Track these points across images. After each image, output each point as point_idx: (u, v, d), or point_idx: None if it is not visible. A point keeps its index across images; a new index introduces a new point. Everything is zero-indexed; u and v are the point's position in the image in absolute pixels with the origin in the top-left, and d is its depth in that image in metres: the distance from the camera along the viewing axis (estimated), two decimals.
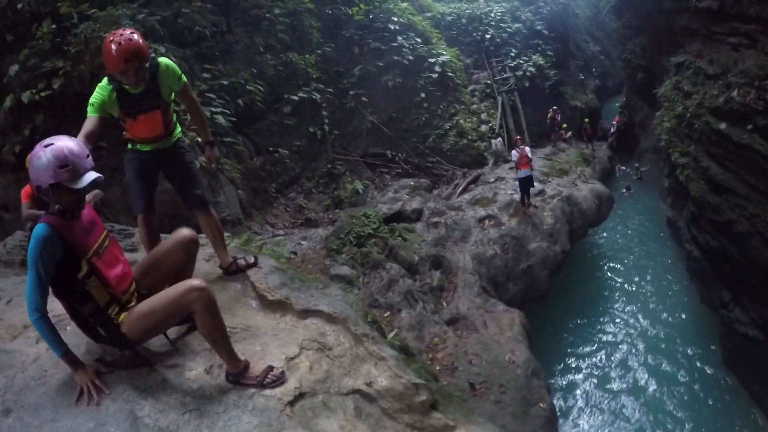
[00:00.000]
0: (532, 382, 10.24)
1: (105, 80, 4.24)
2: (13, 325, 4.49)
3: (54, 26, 10.45)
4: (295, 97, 16.02)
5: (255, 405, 3.48)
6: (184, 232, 3.96)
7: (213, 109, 12.46)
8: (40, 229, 3.17)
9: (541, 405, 9.95)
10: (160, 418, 3.29)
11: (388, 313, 11.13)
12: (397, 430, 3.95)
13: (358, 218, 13.51)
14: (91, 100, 4.19)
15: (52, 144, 3.14)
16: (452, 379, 9.98)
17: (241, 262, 5.02)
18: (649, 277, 18.61)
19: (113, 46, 4.05)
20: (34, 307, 3.18)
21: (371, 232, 13.14)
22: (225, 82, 13.59)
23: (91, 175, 3.19)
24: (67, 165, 3.11)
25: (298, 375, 3.84)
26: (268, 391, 3.60)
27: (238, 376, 3.56)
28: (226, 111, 12.86)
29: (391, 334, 5.60)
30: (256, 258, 5.15)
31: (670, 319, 16.20)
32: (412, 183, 17.15)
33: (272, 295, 4.70)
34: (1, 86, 10.39)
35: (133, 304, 3.51)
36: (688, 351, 14.77)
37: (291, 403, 3.59)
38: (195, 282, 3.37)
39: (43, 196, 3.22)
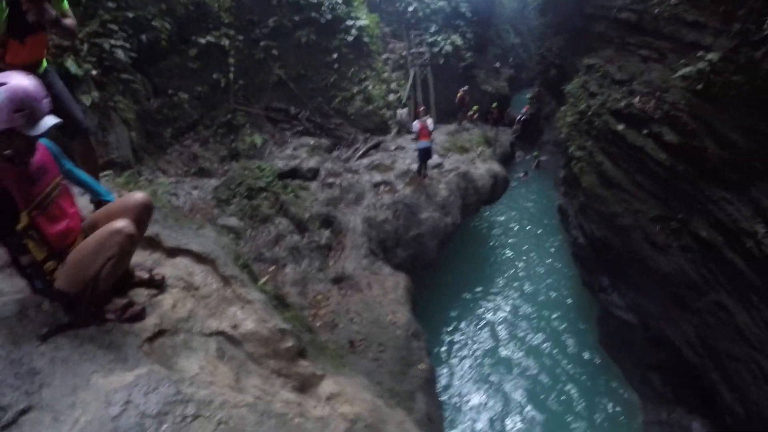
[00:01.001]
0: (412, 344, 10.46)
1: None
2: None
3: None
4: (203, 41, 15.46)
5: (112, 340, 3.38)
6: (138, 196, 3.61)
7: (113, 42, 11.80)
8: None
9: (420, 366, 10.14)
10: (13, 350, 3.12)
11: (273, 267, 11.08)
12: (261, 375, 3.93)
13: (252, 170, 13.34)
14: None
15: (4, 83, 2.83)
16: (332, 335, 10.06)
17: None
18: (535, 258, 19.63)
19: None
20: None
21: (263, 186, 12.99)
22: (130, 15, 12.88)
23: (50, 120, 2.95)
24: (23, 108, 2.84)
25: (159, 312, 3.77)
26: (126, 326, 3.51)
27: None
28: (126, 45, 12.19)
29: (262, 281, 5.54)
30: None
31: (552, 298, 17.17)
32: (312, 142, 16.99)
33: None
34: None
35: None
36: (567, 330, 15.67)
37: (149, 340, 3.53)
38: (119, 224, 3.16)
39: None
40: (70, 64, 10.26)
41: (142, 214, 3.55)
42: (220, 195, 12.46)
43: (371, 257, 12.51)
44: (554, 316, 16.23)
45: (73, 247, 3.30)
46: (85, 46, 11.10)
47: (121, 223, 3.15)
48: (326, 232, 12.67)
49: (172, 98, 14.74)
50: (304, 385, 4.04)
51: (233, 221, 11.67)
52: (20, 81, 2.88)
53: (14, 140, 2.92)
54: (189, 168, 14.73)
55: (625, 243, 12.26)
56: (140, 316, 3.58)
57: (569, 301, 16.94)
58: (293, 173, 14.62)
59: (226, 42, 16.22)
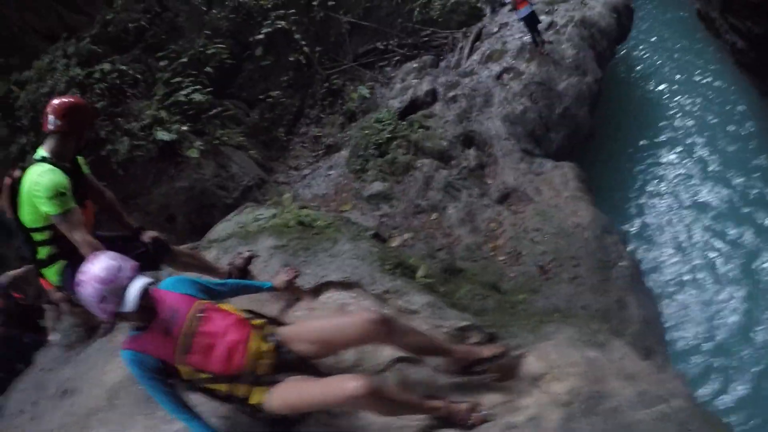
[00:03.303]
0: (605, 241, 9.40)
1: (47, 166, 3.71)
2: (80, 415, 4.53)
3: None
4: (261, 36, 15.08)
5: None
6: (361, 321, 3.17)
7: (185, 92, 11.83)
8: (125, 356, 3.09)
9: (621, 263, 9.10)
10: None
11: (435, 214, 10.48)
12: (456, 383, 3.48)
13: (371, 127, 12.69)
14: (59, 188, 3.65)
15: (82, 280, 2.94)
16: (519, 267, 9.19)
17: (238, 261, 4.70)
18: (695, 84, 16.20)
19: (81, 105, 3.85)
20: (176, 415, 3.13)
21: (389, 135, 12.28)
22: (185, 59, 12.78)
23: (135, 290, 2.91)
24: (104, 298, 2.91)
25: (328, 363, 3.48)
26: None
27: None
28: (198, 86, 12.11)
29: (420, 272, 4.96)
30: (250, 253, 4.83)
31: (730, 127, 14.03)
32: (415, 65, 16.07)
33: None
34: None
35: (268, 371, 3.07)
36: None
37: None
38: (351, 386, 2.76)
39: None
40: (161, 134, 10.40)
41: (371, 334, 3.14)
42: (353, 167, 12.07)
43: (527, 157, 11.48)
44: (740, 145, 13.26)
45: (257, 364, 3.07)
46: (163, 113, 11.11)
47: (353, 385, 2.78)
48: (471, 152, 11.77)
49: (266, 101, 14.61)
50: (505, 376, 3.51)
51: (377, 187, 11.25)
52: (91, 272, 2.93)
53: (126, 317, 3.02)
54: (317, 151, 14.65)
55: None
56: None
57: (750, 121, 13.79)
58: (412, 107, 13.82)
59: (281, 23, 15.62)
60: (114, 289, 2.91)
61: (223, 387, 3.07)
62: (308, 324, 3.50)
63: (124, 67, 11.75)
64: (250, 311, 3.44)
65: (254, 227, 5.72)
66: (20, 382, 7.59)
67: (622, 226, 11.37)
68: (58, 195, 3.60)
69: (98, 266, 2.95)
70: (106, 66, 11.28)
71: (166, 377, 3.14)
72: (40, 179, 3.61)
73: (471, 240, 9.73)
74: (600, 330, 3.96)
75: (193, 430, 3.13)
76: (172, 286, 3.34)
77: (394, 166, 11.59)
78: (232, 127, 13.03)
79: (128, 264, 3.04)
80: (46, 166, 3.67)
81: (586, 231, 9.47)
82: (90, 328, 6.33)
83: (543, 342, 3.69)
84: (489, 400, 3.25)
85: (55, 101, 3.83)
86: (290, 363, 3.15)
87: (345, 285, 4.26)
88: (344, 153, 13.09)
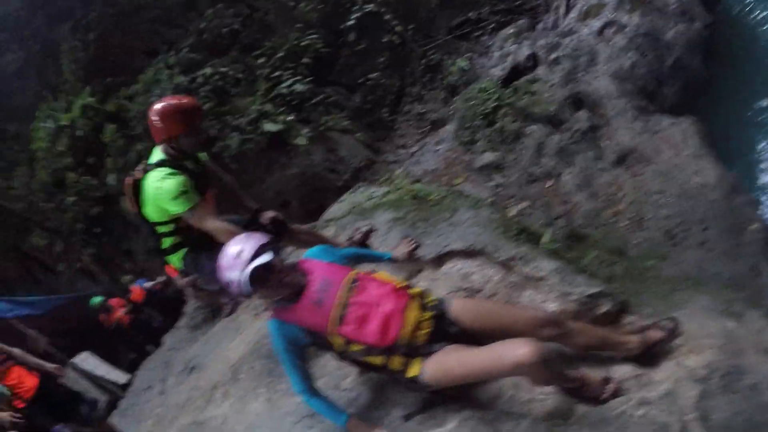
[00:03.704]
0: (734, 202, 8.63)
1: (165, 170, 3.96)
2: (205, 389, 4.77)
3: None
4: (352, 21, 15.09)
5: None
6: (548, 316, 3.08)
7: (285, 84, 12.30)
8: (271, 325, 3.18)
9: (753, 227, 8.35)
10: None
11: (550, 182, 10.29)
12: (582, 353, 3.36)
13: (475, 98, 12.45)
14: (180, 188, 3.92)
15: (223, 264, 3.09)
16: (643, 232, 8.74)
17: (357, 236, 4.83)
18: None
19: (178, 105, 4.03)
20: (297, 390, 3.15)
21: (495, 104, 12.01)
22: (282, 54, 13.13)
23: (251, 267, 3.00)
24: (231, 283, 3.06)
25: None
26: None
27: None
28: (298, 77, 12.52)
29: (545, 237, 4.77)
30: (368, 227, 4.93)
31: None
32: (511, 31, 15.45)
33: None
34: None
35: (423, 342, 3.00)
36: None
37: None
38: (521, 353, 2.62)
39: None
40: (269, 126, 10.78)
41: (548, 337, 2.98)
42: (461, 139, 12.03)
43: (641, 115, 10.89)
44: None
45: (413, 336, 2.98)
46: (268, 106, 11.65)
47: (525, 351, 2.62)
48: (581, 114, 11.34)
49: (366, 84, 14.74)
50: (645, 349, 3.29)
51: (487, 157, 11.17)
52: (230, 253, 3.09)
53: (274, 292, 3.12)
54: (422, 128, 14.65)
55: None
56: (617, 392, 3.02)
57: None
58: (514, 73, 13.47)
59: (370, 6, 15.53)
60: (237, 274, 3.00)
61: (377, 359, 3.01)
62: (480, 302, 3.46)
63: (224, 69, 12.34)
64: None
65: (369, 204, 5.79)
66: (149, 362, 8.19)
67: (751, 185, 10.61)
68: (180, 195, 3.88)
69: (236, 248, 3.06)
70: (207, 70, 11.97)
71: (318, 348, 3.23)
72: (161, 185, 3.90)
73: (590, 206, 9.44)
74: (735, 299, 3.72)
75: (313, 407, 3.14)
76: (319, 256, 3.36)
77: (503, 135, 11.42)
78: (336, 113, 13.34)
79: (263, 241, 3.14)
80: (164, 171, 3.95)
81: (712, 192, 8.78)
82: (214, 309, 6.74)
83: (676, 311, 3.50)
84: (620, 372, 3.14)
85: (155, 106, 4.02)
86: (449, 335, 3.01)
87: (468, 254, 4.18)
88: (450, 127, 13.01)
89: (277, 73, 12.65)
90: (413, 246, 4.06)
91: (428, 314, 3.05)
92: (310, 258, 3.40)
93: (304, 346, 3.19)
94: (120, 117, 11.93)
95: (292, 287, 3.11)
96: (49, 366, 6.25)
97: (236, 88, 12.59)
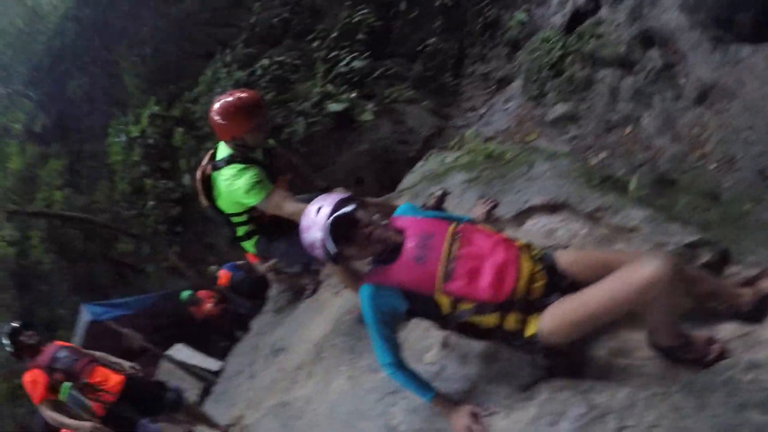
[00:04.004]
0: None
1: (235, 167, 4.00)
2: (290, 370, 4.88)
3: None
4: None
5: None
6: (664, 260, 2.39)
7: (344, 63, 12.30)
8: (363, 291, 2.86)
9: None
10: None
11: (629, 127, 9.79)
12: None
13: (539, 49, 12.04)
14: (253, 180, 3.95)
15: (304, 228, 2.89)
16: (734, 173, 7.95)
17: (431, 202, 4.72)
18: None
19: (238, 103, 3.99)
20: (382, 363, 2.88)
21: (560, 53, 11.56)
22: (335, 34, 13.10)
23: (331, 219, 2.78)
24: (315, 244, 2.84)
25: None
26: None
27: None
28: (355, 54, 12.47)
29: (633, 184, 4.42)
30: (442, 191, 4.78)
31: None
32: None
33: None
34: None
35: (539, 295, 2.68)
36: None
37: None
38: (654, 266, 2.29)
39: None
40: (333, 106, 10.82)
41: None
42: (530, 93, 11.67)
43: (718, 46, 10.06)
44: None
45: (527, 289, 2.66)
46: (329, 87, 11.71)
47: (656, 264, 2.30)
48: (653, 52, 10.65)
49: (425, 51, 14.51)
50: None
51: (560, 109, 10.81)
52: (308, 217, 2.88)
53: (367, 251, 2.88)
54: (489, 88, 14.30)
55: None
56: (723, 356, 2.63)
57: None
58: (576, 18, 12.74)
59: None
60: (333, 217, 2.75)
61: (490, 319, 2.69)
62: (587, 252, 3.09)
63: (280, 58, 12.51)
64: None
65: (441, 169, 5.56)
66: (238, 348, 8.38)
67: None
68: (254, 186, 3.89)
69: (315, 206, 2.85)
70: (264, 62, 12.16)
71: (414, 317, 3.01)
72: (234, 181, 3.94)
73: (674, 150, 8.84)
74: None
75: (398, 381, 2.88)
76: (410, 213, 3.11)
77: (573, 84, 10.95)
78: (398, 84, 13.21)
79: (344, 195, 2.93)
80: (235, 167, 3.97)
81: None
82: (296, 291, 6.81)
83: None
84: (724, 331, 2.77)
85: (215, 106, 4.00)
86: (562, 288, 2.70)
87: (550, 208, 3.90)
88: (517, 83, 12.63)
89: (333, 54, 12.65)
90: (491, 205, 3.87)
91: (540, 266, 2.76)
92: (400, 215, 3.14)
93: (399, 315, 2.91)
94: (186, 120, 12.33)
95: (384, 243, 2.83)
96: (127, 365, 6.51)
97: (295, 74, 12.71)
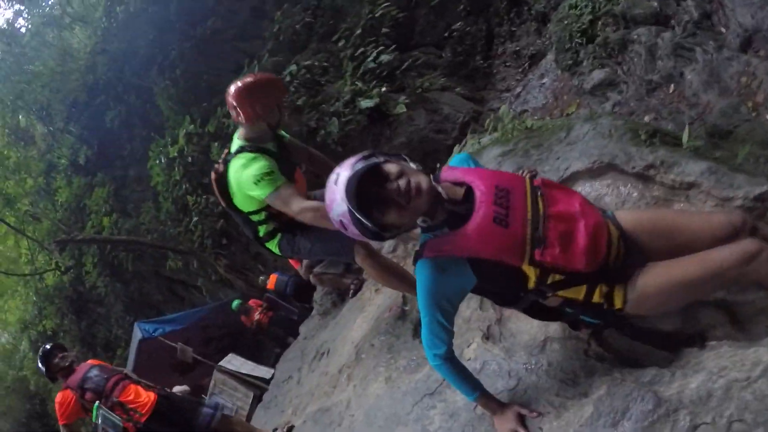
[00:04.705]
0: None
1: (246, 156, 3.85)
2: (333, 373, 4.83)
3: None
4: None
5: None
6: (738, 217, 2.35)
7: (370, 59, 12.19)
8: (420, 269, 2.34)
9: None
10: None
11: (673, 86, 9.26)
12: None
13: (568, 16, 11.55)
14: (263, 171, 3.75)
15: (329, 202, 2.23)
16: None
17: None
18: None
19: (256, 80, 3.95)
20: (432, 353, 2.46)
21: (591, 17, 11.08)
22: (358, 31, 13.00)
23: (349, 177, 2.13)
24: (343, 219, 2.21)
25: None
26: None
27: None
28: (381, 48, 12.37)
29: (686, 136, 3.79)
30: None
31: None
32: None
33: None
34: None
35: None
36: None
37: None
38: (750, 242, 2.14)
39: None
40: (365, 103, 10.79)
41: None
42: (564, 62, 11.25)
43: None
44: None
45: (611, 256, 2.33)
46: (359, 84, 11.67)
47: (752, 240, 2.15)
48: (687, 3, 9.99)
49: (452, 37, 14.29)
50: None
51: (597, 76, 10.33)
52: (330, 188, 2.21)
53: (391, 218, 2.21)
54: (521, 66, 13.96)
55: None
56: None
57: None
58: None
59: None
60: (353, 172, 2.14)
61: (579, 292, 2.30)
62: (651, 212, 2.78)
63: (308, 63, 12.47)
64: None
65: (476, 148, 5.18)
66: (289, 353, 8.36)
67: None
68: (263, 178, 3.72)
69: (333, 175, 2.22)
70: (292, 68, 12.10)
71: (498, 290, 2.52)
72: (243, 171, 3.79)
73: (724, 103, 8.19)
74: None
75: (445, 375, 2.54)
76: (468, 163, 2.73)
77: (608, 47, 10.42)
78: (429, 73, 13.01)
79: (364, 154, 2.28)
80: (244, 157, 3.83)
81: None
82: (340, 292, 6.67)
83: None
84: None
85: (230, 89, 3.87)
86: (634, 256, 2.37)
87: (595, 171, 3.54)
88: (550, 56, 12.22)
89: (360, 51, 12.57)
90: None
91: (618, 230, 2.40)
92: (455, 166, 2.64)
93: (463, 295, 2.44)
94: (221, 134, 12.43)
95: (437, 198, 2.27)
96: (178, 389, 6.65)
97: (324, 76, 12.69)
